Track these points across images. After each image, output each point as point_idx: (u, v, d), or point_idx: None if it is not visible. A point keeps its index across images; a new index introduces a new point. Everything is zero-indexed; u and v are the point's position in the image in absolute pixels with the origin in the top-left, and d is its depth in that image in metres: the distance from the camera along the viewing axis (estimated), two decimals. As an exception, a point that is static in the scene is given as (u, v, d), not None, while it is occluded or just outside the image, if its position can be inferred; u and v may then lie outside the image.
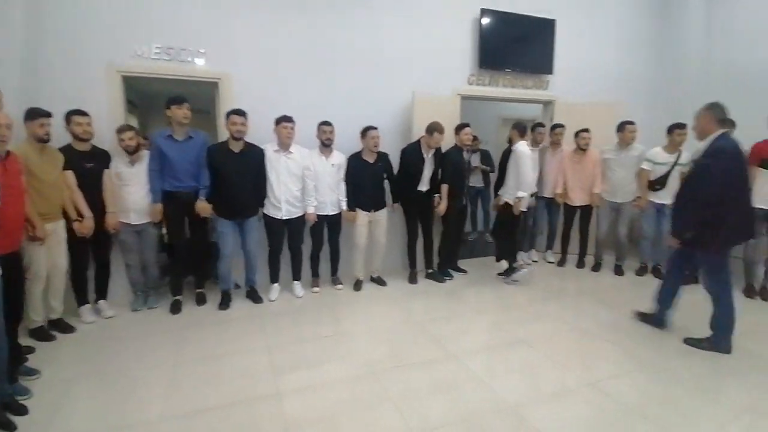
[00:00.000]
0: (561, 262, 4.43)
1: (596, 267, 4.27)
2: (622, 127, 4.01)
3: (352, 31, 3.93)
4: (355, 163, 3.56)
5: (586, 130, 4.15)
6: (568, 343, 2.72)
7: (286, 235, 3.44)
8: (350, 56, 3.93)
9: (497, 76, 4.48)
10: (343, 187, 3.56)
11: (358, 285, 3.74)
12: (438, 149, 3.74)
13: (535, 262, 4.51)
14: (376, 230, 3.72)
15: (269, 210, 3.35)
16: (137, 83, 4.14)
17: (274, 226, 3.38)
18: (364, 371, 2.35)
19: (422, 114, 3.92)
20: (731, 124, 3.20)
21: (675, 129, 3.76)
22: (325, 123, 3.45)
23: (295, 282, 3.59)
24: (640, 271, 4.09)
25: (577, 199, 4.26)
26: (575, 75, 4.69)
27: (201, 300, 3.35)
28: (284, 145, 3.30)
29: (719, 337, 2.56)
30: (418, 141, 3.69)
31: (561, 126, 4.31)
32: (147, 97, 5.76)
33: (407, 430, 1.86)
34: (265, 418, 1.94)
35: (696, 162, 2.61)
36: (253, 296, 3.42)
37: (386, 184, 3.77)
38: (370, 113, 3.95)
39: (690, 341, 2.66)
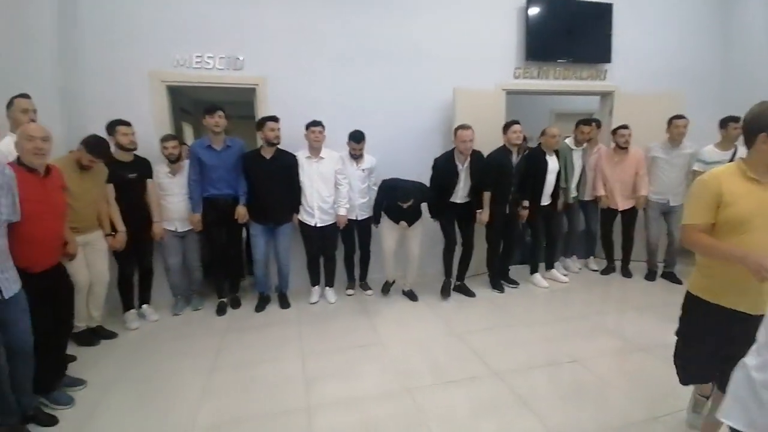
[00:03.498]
0: (606, 271, 4.02)
1: (650, 276, 3.83)
2: (670, 122, 3.57)
3: (389, 28, 3.80)
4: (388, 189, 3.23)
5: (624, 127, 3.72)
6: (626, 365, 2.42)
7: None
8: (387, 54, 3.81)
9: (547, 68, 4.15)
10: (373, 193, 3.44)
11: (386, 288, 3.60)
12: (477, 155, 3.31)
13: (580, 270, 4.15)
14: (410, 240, 3.43)
15: (303, 217, 3.33)
16: (189, 91, 4.21)
17: (308, 233, 3.37)
18: (399, 387, 2.22)
19: (464, 111, 3.71)
20: None
21: (729, 122, 3.26)
22: (355, 139, 3.29)
23: (328, 288, 3.56)
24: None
25: (620, 203, 3.82)
26: (636, 63, 4.24)
27: (236, 303, 3.41)
28: (314, 150, 3.25)
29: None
30: (452, 150, 3.33)
31: (591, 122, 3.81)
32: (200, 105, 5.89)
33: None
34: (294, 435, 1.88)
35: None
36: (282, 302, 3.43)
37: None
38: (408, 112, 3.85)
39: None
